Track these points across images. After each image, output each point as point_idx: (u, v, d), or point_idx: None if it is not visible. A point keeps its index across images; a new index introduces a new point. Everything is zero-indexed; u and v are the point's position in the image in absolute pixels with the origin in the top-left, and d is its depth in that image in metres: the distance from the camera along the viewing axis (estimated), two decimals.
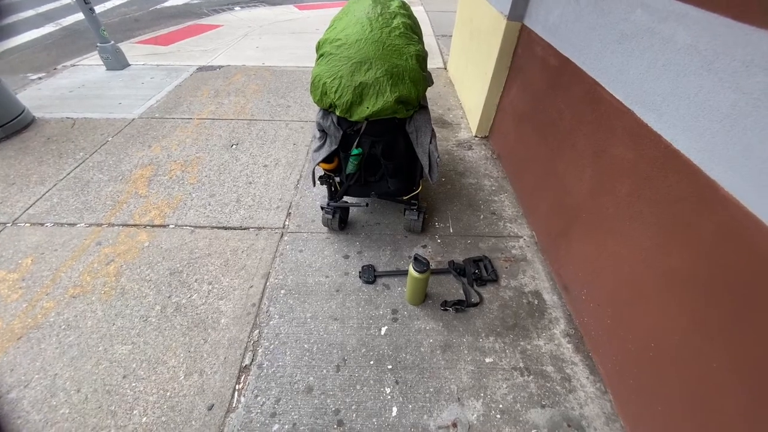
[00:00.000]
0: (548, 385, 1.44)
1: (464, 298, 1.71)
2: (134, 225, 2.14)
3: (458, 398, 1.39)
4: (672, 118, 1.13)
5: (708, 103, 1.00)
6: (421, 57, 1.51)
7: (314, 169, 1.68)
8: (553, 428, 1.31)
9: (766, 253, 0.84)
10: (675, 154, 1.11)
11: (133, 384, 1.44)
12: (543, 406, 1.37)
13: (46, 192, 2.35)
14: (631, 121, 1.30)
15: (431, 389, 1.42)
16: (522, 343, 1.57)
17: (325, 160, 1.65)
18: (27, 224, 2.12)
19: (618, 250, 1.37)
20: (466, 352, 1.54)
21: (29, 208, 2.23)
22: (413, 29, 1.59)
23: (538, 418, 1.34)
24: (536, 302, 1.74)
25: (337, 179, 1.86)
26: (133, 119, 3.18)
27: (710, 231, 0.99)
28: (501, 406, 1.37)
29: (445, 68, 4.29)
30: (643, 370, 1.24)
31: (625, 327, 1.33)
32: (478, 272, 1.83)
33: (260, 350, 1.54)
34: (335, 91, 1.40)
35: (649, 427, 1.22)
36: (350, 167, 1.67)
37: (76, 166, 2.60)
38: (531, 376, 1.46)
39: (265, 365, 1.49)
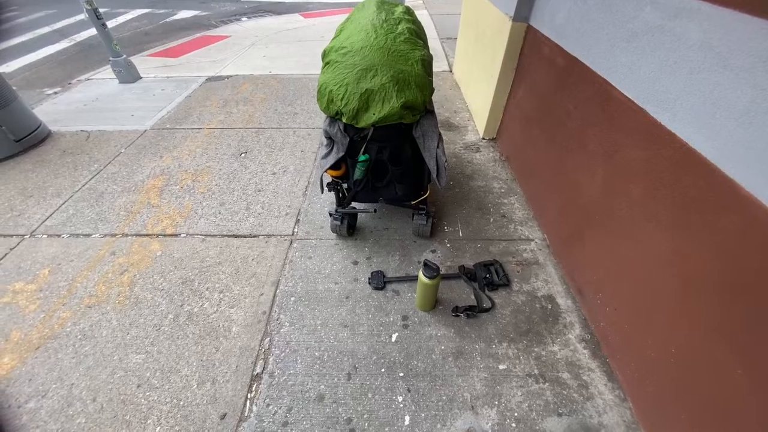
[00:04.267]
0: (565, 392, 1.40)
1: (476, 304, 1.68)
2: (147, 235, 2.17)
3: (472, 406, 1.36)
4: (687, 117, 1.10)
5: (724, 101, 0.97)
6: (427, 62, 1.51)
7: (322, 176, 1.68)
8: None
9: None
10: (691, 153, 1.08)
11: (147, 393, 1.45)
12: (560, 415, 1.34)
13: (63, 204, 2.41)
14: (643, 120, 1.27)
15: (444, 397, 1.39)
16: (536, 349, 1.54)
17: (333, 167, 1.65)
18: (44, 236, 2.17)
19: (634, 253, 1.34)
20: (478, 358, 1.51)
21: (46, 219, 2.29)
22: (418, 34, 1.59)
23: (555, 427, 1.31)
24: (550, 307, 1.71)
25: (345, 186, 1.86)
26: (145, 130, 3.25)
27: (731, 232, 0.96)
28: (516, 414, 1.34)
29: (451, 71, 4.28)
30: (664, 377, 1.19)
31: (643, 332, 1.29)
32: (489, 277, 1.81)
33: (271, 358, 1.54)
34: (341, 99, 1.41)
35: None
36: (358, 173, 1.67)
37: (91, 178, 2.66)
38: (546, 383, 1.43)
39: (276, 373, 1.49)
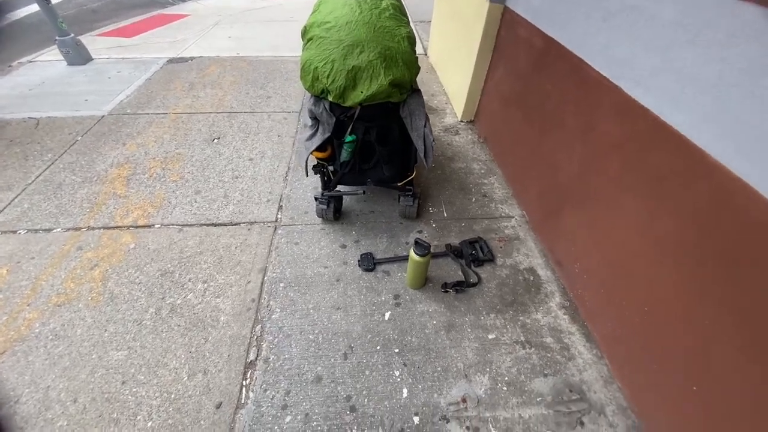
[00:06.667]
0: (549, 355, 1.50)
1: (463, 279, 1.74)
2: (116, 227, 2.04)
3: (465, 375, 1.43)
4: (659, 92, 1.17)
5: (695, 76, 1.05)
6: (412, 39, 1.50)
7: (307, 158, 1.64)
8: (557, 395, 1.37)
9: (753, 213, 0.90)
10: (663, 127, 1.15)
11: (134, 389, 1.39)
12: (545, 375, 1.43)
13: (15, 198, 2.20)
14: (618, 97, 1.34)
15: (439, 368, 1.45)
16: (521, 318, 1.63)
17: (319, 149, 1.61)
18: None
19: (609, 223, 1.43)
20: (469, 330, 1.58)
21: None
22: (401, 11, 1.57)
23: (541, 386, 1.40)
24: (532, 278, 1.80)
25: (331, 168, 1.83)
26: (103, 116, 3.00)
27: (700, 197, 1.05)
28: (506, 378, 1.42)
29: (426, 54, 4.27)
30: (637, 334, 1.31)
31: (618, 295, 1.40)
32: (474, 253, 1.87)
33: (264, 345, 1.52)
34: (327, 76, 1.37)
35: (644, 386, 1.29)
36: (344, 155, 1.65)
37: (45, 169, 2.44)
38: (532, 348, 1.52)
39: (271, 359, 1.47)
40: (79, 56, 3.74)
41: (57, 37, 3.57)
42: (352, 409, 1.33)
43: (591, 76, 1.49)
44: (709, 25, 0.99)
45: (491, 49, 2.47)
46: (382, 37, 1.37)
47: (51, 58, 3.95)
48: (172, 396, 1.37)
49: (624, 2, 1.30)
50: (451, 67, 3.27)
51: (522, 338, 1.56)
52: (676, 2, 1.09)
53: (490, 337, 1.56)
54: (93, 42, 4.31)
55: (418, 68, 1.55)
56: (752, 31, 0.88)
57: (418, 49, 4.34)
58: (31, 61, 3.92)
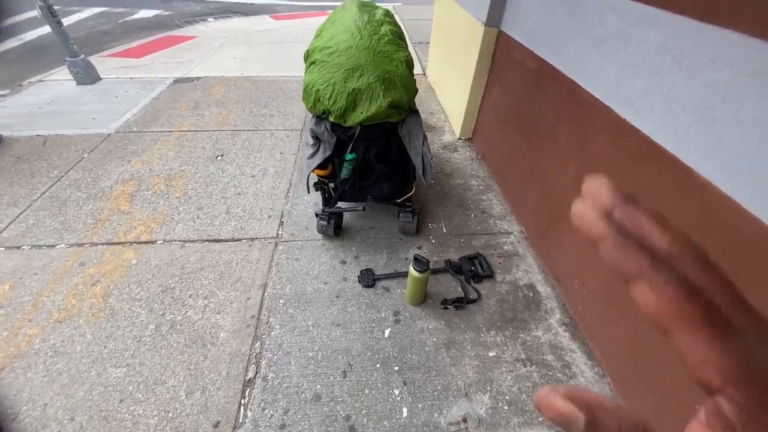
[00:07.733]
0: (550, 373, 1.49)
1: (463, 296, 1.74)
2: (119, 243, 2.06)
3: (466, 393, 1.42)
4: (648, 113, 1.21)
5: (680, 98, 1.09)
6: (410, 62, 1.56)
7: (309, 176, 1.68)
8: None
9: (742, 229, 0.92)
10: (653, 146, 1.19)
11: (132, 407, 1.38)
12: None
13: (20, 214, 2.23)
14: (610, 118, 1.38)
15: (439, 387, 1.44)
16: (522, 335, 1.62)
17: (320, 167, 1.65)
18: (1, 248, 2.00)
19: None
20: (469, 347, 1.57)
21: (2, 231, 2.10)
22: (400, 36, 1.64)
23: None
24: (531, 295, 1.80)
25: (331, 185, 1.86)
26: (110, 134, 3.07)
27: (690, 214, 1.07)
28: (507, 397, 1.41)
29: (424, 74, 4.39)
30: (638, 350, 1.30)
31: (618, 311, 1.40)
32: (474, 269, 1.88)
33: (263, 362, 1.52)
34: (329, 98, 1.42)
35: (648, 404, 1.28)
36: (345, 172, 1.69)
37: (51, 185, 2.48)
38: (533, 366, 1.51)
39: (269, 377, 1.46)
40: (88, 76, 3.86)
41: (67, 58, 3.69)
42: (351, 429, 1.31)
43: (583, 97, 1.54)
44: (693, 50, 1.04)
45: (487, 70, 2.55)
46: (381, 61, 1.43)
47: (60, 77, 4.07)
48: (170, 415, 1.36)
49: (611, 28, 1.36)
50: (449, 86, 3.36)
51: (523, 356, 1.55)
52: (660, 29, 1.14)
53: (490, 354, 1.55)
54: (102, 62, 4.45)
55: (416, 90, 1.60)
56: (733, 57, 0.93)
57: (417, 69, 4.48)
58: (41, 81, 4.04)
